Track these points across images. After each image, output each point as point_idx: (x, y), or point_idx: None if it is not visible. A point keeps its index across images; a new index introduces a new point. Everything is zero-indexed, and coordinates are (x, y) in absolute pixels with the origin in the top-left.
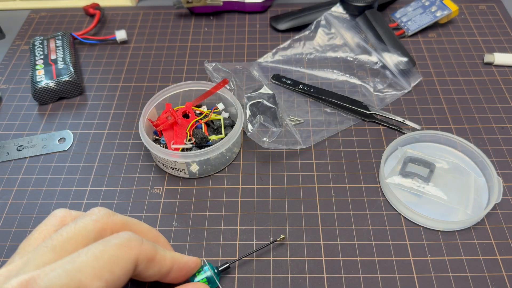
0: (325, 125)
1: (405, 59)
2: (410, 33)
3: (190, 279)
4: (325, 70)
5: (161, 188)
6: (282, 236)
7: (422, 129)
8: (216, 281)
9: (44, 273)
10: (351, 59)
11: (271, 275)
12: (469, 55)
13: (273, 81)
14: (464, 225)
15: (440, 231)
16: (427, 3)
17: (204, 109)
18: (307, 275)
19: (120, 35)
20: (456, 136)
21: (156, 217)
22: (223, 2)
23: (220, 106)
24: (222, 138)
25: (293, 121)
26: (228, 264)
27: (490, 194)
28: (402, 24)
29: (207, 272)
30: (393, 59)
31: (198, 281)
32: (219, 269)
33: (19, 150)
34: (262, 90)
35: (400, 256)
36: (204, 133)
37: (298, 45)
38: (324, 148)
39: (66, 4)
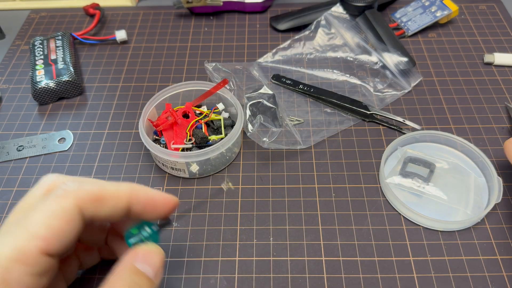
0: (325, 125)
1: (405, 59)
2: (410, 33)
3: (126, 240)
4: (325, 70)
5: (161, 188)
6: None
7: (422, 129)
8: (156, 238)
9: None
10: (351, 59)
11: (271, 275)
12: (469, 55)
13: (273, 81)
14: (464, 225)
15: (440, 231)
16: (427, 3)
17: (204, 109)
18: (307, 275)
19: (120, 35)
20: (456, 136)
21: None
22: (223, 2)
23: (220, 106)
24: (222, 138)
25: (293, 121)
26: (169, 219)
27: (490, 194)
28: (402, 24)
29: (145, 230)
30: (393, 59)
31: (134, 242)
32: (158, 224)
33: (19, 150)
34: (262, 90)
35: (400, 256)
36: (204, 133)
37: (298, 45)
38: (324, 148)
39: (66, 4)
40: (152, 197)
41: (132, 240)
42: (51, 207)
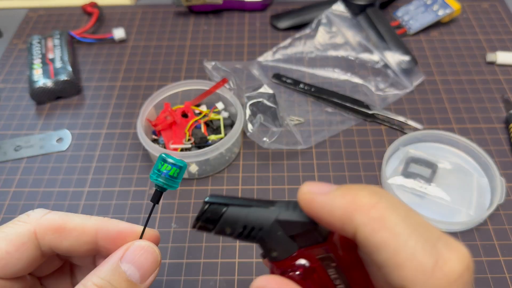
0: (326, 125)
1: (407, 58)
2: (412, 31)
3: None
4: (326, 69)
5: None
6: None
7: (424, 129)
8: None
9: None
10: (353, 58)
11: None
12: (471, 54)
13: (273, 80)
14: (466, 226)
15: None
16: (429, 2)
17: (203, 108)
18: None
19: (118, 33)
20: (459, 136)
21: (155, 218)
22: (223, 0)
23: (220, 105)
24: (221, 138)
25: (294, 121)
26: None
27: (492, 195)
28: (404, 23)
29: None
30: (395, 58)
31: (153, 178)
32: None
33: (16, 150)
34: (262, 90)
35: None
36: (204, 133)
37: (299, 44)
38: (325, 149)
39: (64, 3)
40: (123, 232)
41: (152, 176)
42: (5, 230)
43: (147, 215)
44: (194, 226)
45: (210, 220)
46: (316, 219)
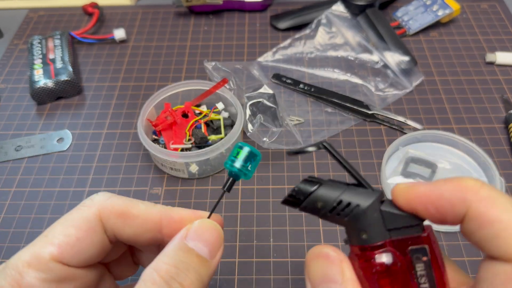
0: (326, 125)
1: (406, 58)
2: (411, 32)
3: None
4: (326, 69)
5: (160, 188)
6: None
7: (423, 129)
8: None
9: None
10: (352, 58)
11: (272, 276)
12: (471, 54)
13: (273, 80)
14: None
15: (442, 232)
16: (428, 2)
17: (203, 108)
18: None
19: (119, 34)
20: (458, 136)
21: None
22: (223, 1)
23: (220, 105)
24: (221, 138)
25: (294, 121)
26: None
27: None
28: (404, 23)
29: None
30: (394, 58)
31: (227, 164)
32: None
33: (17, 150)
34: (262, 90)
35: None
36: (204, 133)
37: (299, 44)
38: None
39: (64, 3)
40: (186, 218)
41: (227, 162)
42: (72, 216)
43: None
44: (283, 200)
45: (303, 191)
46: (419, 209)
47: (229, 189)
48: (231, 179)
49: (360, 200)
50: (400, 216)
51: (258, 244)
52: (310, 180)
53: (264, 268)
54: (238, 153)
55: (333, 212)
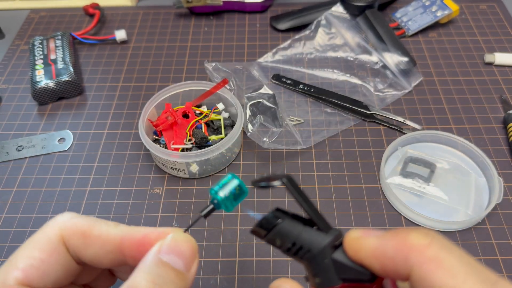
0: (326, 125)
1: (405, 59)
2: (410, 33)
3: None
4: (326, 70)
5: (161, 188)
6: None
7: (422, 129)
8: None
9: None
10: (352, 59)
11: (271, 275)
12: (469, 55)
13: (273, 81)
14: (464, 226)
15: (440, 231)
16: (427, 3)
17: (204, 109)
18: None
19: (120, 35)
20: (457, 136)
21: (156, 218)
22: (223, 2)
23: (220, 106)
24: (222, 138)
25: (293, 121)
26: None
27: (490, 195)
28: (403, 24)
29: (232, 182)
30: (393, 59)
31: (214, 190)
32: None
33: (18, 150)
34: (262, 90)
35: None
36: (204, 133)
37: (299, 45)
38: (325, 148)
39: (65, 4)
40: (148, 236)
41: (213, 189)
42: (36, 238)
43: (149, 214)
44: (251, 230)
45: (264, 227)
46: (365, 263)
47: (206, 216)
48: (211, 206)
49: (312, 245)
50: (350, 267)
51: (258, 244)
52: (276, 214)
53: (264, 267)
54: (226, 183)
55: (289, 252)
